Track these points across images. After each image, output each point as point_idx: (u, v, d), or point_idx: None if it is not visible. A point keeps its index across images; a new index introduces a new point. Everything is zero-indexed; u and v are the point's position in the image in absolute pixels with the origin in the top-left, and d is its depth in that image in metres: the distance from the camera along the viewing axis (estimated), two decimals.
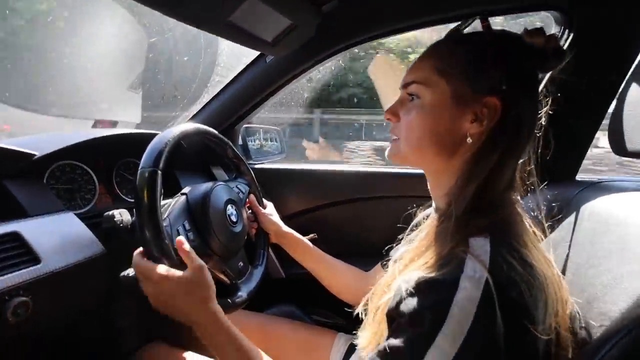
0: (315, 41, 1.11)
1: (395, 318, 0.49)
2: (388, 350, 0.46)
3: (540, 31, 0.55)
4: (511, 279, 0.45)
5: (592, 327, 0.54)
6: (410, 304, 0.46)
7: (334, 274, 0.97)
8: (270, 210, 1.05)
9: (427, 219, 0.71)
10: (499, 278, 0.44)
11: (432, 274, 0.46)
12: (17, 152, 0.81)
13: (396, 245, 0.76)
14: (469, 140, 0.55)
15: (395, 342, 0.46)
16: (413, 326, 0.45)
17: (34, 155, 0.84)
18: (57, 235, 0.75)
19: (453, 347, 0.42)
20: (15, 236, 0.69)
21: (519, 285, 0.44)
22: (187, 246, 0.67)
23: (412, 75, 0.60)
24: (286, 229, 1.01)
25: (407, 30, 1.11)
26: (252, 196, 1.03)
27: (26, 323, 0.64)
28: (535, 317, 0.45)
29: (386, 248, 0.79)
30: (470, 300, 0.43)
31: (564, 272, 0.67)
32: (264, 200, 1.07)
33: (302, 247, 1.00)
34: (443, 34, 0.64)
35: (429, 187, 0.65)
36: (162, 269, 0.63)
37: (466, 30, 0.65)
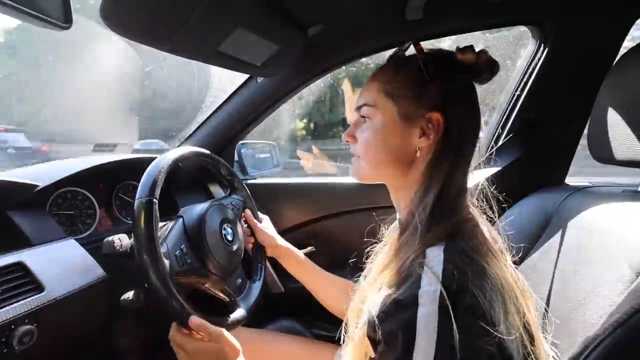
0: (304, 62, 1.15)
1: (375, 342, 0.51)
2: None
3: (469, 48, 0.60)
4: (463, 285, 0.46)
5: (576, 335, 0.55)
6: (383, 328, 0.48)
7: (325, 288, 0.98)
8: (266, 223, 1.06)
9: (388, 231, 0.75)
10: (451, 288, 0.46)
11: (395, 294, 0.49)
12: (21, 184, 0.84)
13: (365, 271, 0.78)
14: (418, 154, 0.60)
15: None
16: (390, 350, 0.48)
17: (37, 186, 0.87)
18: (59, 263, 0.77)
19: None
20: (20, 266, 0.72)
21: (470, 290, 0.46)
22: (198, 321, 0.70)
23: (362, 99, 0.64)
24: (282, 242, 1.03)
25: (390, 48, 1.15)
26: (247, 211, 1.05)
27: (31, 350, 0.66)
28: (492, 318, 0.46)
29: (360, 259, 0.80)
30: (430, 316, 0.45)
31: (552, 278, 0.69)
32: (260, 214, 1.09)
33: (297, 260, 1.01)
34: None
35: (393, 202, 0.69)
36: (195, 342, 0.69)
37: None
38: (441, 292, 0.46)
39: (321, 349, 1.02)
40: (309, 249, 1.42)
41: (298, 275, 1.01)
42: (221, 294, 0.85)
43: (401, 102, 0.60)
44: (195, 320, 0.69)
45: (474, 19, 1.04)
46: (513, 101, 1.14)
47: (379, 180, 0.67)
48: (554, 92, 1.05)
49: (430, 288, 0.47)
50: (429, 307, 0.45)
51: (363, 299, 0.59)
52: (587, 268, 0.63)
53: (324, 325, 1.34)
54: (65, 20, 0.58)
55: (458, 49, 0.60)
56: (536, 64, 1.05)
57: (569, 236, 0.72)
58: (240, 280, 0.92)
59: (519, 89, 1.11)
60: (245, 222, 1.04)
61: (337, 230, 1.44)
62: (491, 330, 0.45)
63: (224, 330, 0.70)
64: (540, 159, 1.07)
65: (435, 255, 0.51)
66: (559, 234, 0.75)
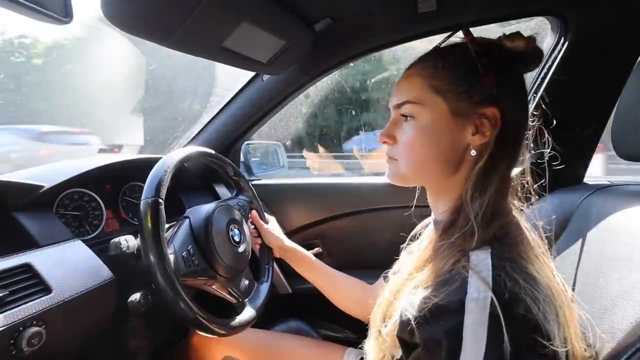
0: (311, 58, 1.13)
1: (409, 344, 0.49)
2: None
3: (519, 34, 0.56)
4: (515, 294, 0.43)
5: (604, 341, 0.52)
6: (423, 333, 0.46)
7: (338, 287, 0.97)
8: (272, 225, 1.05)
9: (425, 230, 0.72)
10: (503, 296, 0.43)
11: (437, 298, 0.46)
12: (27, 184, 0.83)
13: (397, 256, 0.76)
14: (473, 152, 0.56)
15: None
16: (431, 357, 0.45)
17: (43, 186, 0.86)
18: (67, 264, 0.76)
19: None
20: (27, 267, 0.71)
21: (524, 300, 0.43)
22: None
23: (404, 95, 0.59)
24: (289, 243, 1.01)
25: (402, 42, 1.12)
26: (254, 212, 1.05)
27: (40, 352, 0.65)
28: (548, 333, 0.43)
29: (388, 267, 0.79)
30: (480, 324, 0.42)
31: (574, 281, 0.66)
32: (267, 215, 1.08)
33: (306, 261, 1.00)
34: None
35: (429, 202, 0.65)
36: None
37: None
38: (492, 300, 0.43)
39: (329, 350, 1.00)
40: (315, 250, 1.41)
41: (307, 275, 0.99)
42: (228, 296, 0.84)
43: (451, 97, 0.55)
44: None
45: (490, 11, 1.00)
46: (530, 97, 1.10)
47: (420, 183, 0.63)
48: (574, 88, 1.00)
49: (479, 295, 0.44)
50: (477, 315, 0.43)
51: (394, 295, 0.57)
52: (613, 271, 0.59)
53: (332, 326, 1.33)
54: (65, 14, 0.57)
55: (505, 36, 0.56)
56: (555, 58, 1.01)
57: (591, 237, 0.69)
58: (247, 281, 0.91)
59: (536, 84, 1.07)
60: (252, 223, 1.03)
61: (344, 231, 1.42)
62: (545, 344, 0.42)
63: None
64: (558, 157, 1.04)
65: (482, 260, 0.47)
66: (580, 235, 0.71)
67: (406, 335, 0.48)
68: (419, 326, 0.46)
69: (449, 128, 0.56)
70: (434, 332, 0.45)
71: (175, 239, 0.80)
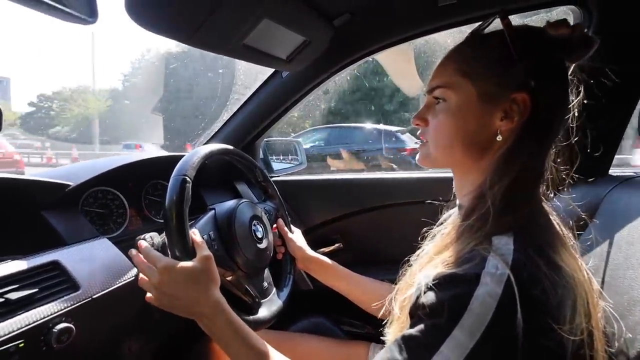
0: (329, 54, 1.12)
1: (415, 312, 0.49)
2: (405, 340, 0.47)
3: (564, 22, 0.54)
4: (534, 276, 0.44)
5: (635, 332, 0.52)
6: (430, 296, 0.46)
7: (363, 290, 0.96)
8: (297, 236, 1.05)
9: (450, 217, 0.71)
10: (521, 275, 0.43)
11: (454, 269, 0.47)
12: (54, 183, 0.85)
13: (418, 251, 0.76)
14: (499, 137, 0.55)
15: (412, 331, 0.46)
16: (431, 317, 0.46)
17: (69, 185, 0.88)
18: (94, 262, 0.78)
19: (471, 340, 0.42)
20: (56, 265, 0.72)
21: (542, 282, 0.44)
22: (199, 237, 0.70)
23: (436, 80, 0.60)
24: (312, 253, 1.01)
25: (422, 35, 1.11)
26: (280, 220, 1.04)
27: (69, 349, 0.66)
28: (559, 316, 0.44)
29: (409, 256, 0.78)
30: (491, 296, 0.43)
31: (603, 273, 0.65)
32: (292, 227, 1.07)
33: (329, 269, 0.99)
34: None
35: (454, 186, 0.65)
36: (167, 259, 0.67)
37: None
38: (509, 276, 0.43)
39: (353, 347, 1.00)
40: (336, 245, 1.41)
41: (332, 283, 0.99)
42: (244, 294, 0.83)
43: (481, 81, 0.56)
44: (194, 231, 0.70)
45: (511, 1, 0.98)
46: None
47: (447, 167, 0.64)
48: (598, 77, 0.98)
49: (496, 271, 0.44)
50: (491, 288, 0.43)
51: (414, 277, 0.57)
52: None
53: (354, 322, 1.32)
54: (90, 14, 0.58)
55: (549, 23, 0.55)
56: None
57: (619, 229, 0.67)
58: (266, 284, 0.91)
59: None
60: (278, 230, 1.03)
61: (364, 227, 1.41)
62: (555, 327, 0.43)
63: (212, 256, 0.69)
64: (583, 149, 1.01)
65: (504, 244, 0.48)
66: (607, 226, 0.70)
67: (414, 305, 0.49)
68: (429, 290, 0.46)
69: (477, 112, 0.56)
70: (441, 296, 0.45)
71: (198, 224, 0.81)
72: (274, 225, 1.02)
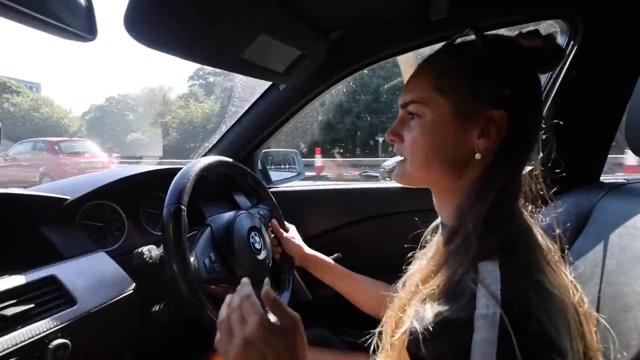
0: (326, 67, 1.14)
1: (417, 357, 0.47)
2: None
3: (536, 33, 0.54)
4: (526, 309, 0.41)
5: (629, 338, 0.52)
6: (431, 347, 0.44)
7: (360, 290, 0.96)
8: (292, 233, 1.05)
9: (435, 236, 0.70)
10: (513, 311, 0.41)
11: (445, 312, 0.44)
12: (51, 197, 0.85)
13: (404, 277, 0.73)
14: (478, 156, 0.53)
15: None
16: None
17: (66, 199, 0.88)
18: (91, 276, 0.77)
19: None
20: (52, 280, 0.72)
21: (535, 314, 0.41)
22: (273, 295, 0.57)
23: (410, 94, 0.57)
24: (309, 251, 1.01)
25: (415, 49, 1.12)
26: (274, 221, 1.05)
27: None
28: (562, 349, 0.41)
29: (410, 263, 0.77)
30: (489, 343, 0.40)
31: (594, 281, 0.66)
32: (286, 223, 1.08)
33: (327, 267, 1.00)
34: None
35: (435, 206, 0.63)
36: (266, 316, 0.54)
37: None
38: (501, 316, 0.41)
39: (353, 358, 0.99)
40: (335, 255, 1.41)
41: (330, 281, 0.99)
42: None
43: (456, 98, 0.53)
44: (269, 292, 0.55)
45: (500, 16, 1.01)
46: (543, 97, 1.09)
47: (426, 185, 0.61)
48: (586, 88, 1.00)
49: (488, 311, 0.41)
50: (487, 333, 0.40)
51: (402, 307, 0.55)
52: (635, 268, 0.59)
53: (354, 332, 1.31)
54: (90, 32, 0.59)
55: (521, 34, 0.54)
56: (566, 59, 1.01)
57: (611, 236, 0.68)
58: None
59: (549, 84, 1.06)
60: (272, 232, 1.04)
61: (363, 236, 1.41)
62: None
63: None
64: (573, 157, 1.02)
65: (490, 272, 0.45)
66: (599, 233, 0.71)
67: (413, 348, 0.47)
68: (426, 340, 0.44)
69: (452, 129, 0.54)
70: (441, 348, 0.43)
71: (197, 247, 0.81)
72: (269, 226, 1.03)
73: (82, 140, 13.40)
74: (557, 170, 0.65)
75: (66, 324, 0.67)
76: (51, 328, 0.65)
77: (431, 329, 0.44)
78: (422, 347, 0.44)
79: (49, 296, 0.69)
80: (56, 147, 9.51)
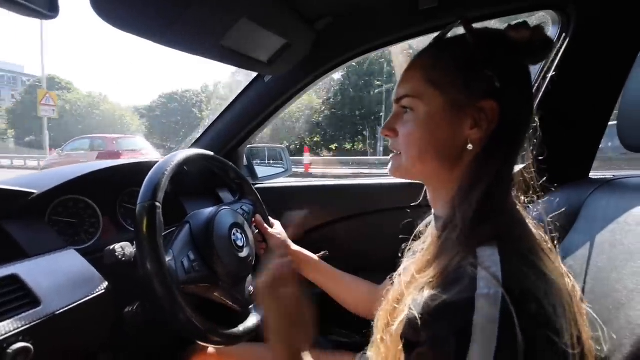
0: (312, 58, 1.10)
1: (413, 344, 0.46)
2: None
3: (524, 25, 0.54)
4: (527, 290, 0.43)
5: (621, 337, 0.51)
6: (429, 330, 0.44)
7: (345, 288, 0.95)
8: (277, 229, 1.03)
9: (428, 228, 0.70)
10: (514, 292, 0.42)
11: (444, 296, 0.44)
12: (14, 191, 0.80)
13: (401, 257, 0.74)
14: (470, 146, 0.55)
15: None
16: (438, 356, 0.43)
17: (32, 193, 0.82)
18: (57, 275, 0.72)
19: None
20: (14, 279, 0.67)
21: (535, 295, 0.43)
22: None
23: (403, 89, 0.59)
24: (295, 247, 0.99)
25: (404, 40, 1.10)
26: (258, 216, 1.02)
27: None
28: (558, 328, 0.43)
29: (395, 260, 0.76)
30: (490, 321, 0.41)
31: (584, 277, 0.65)
32: (271, 219, 1.05)
33: (312, 264, 0.98)
34: None
35: (428, 197, 0.64)
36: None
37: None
38: (503, 295, 0.41)
39: (338, 358, 0.96)
40: (322, 253, 1.38)
41: (315, 278, 0.97)
42: (232, 304, 0.80)
43: (449, 90, 0.55)
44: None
45: (492, 6, 0.99)
46: (534, 91, 1.07)
47: (420, 178, 0.62)
48: (577, 81, 0.99)
49: (490, 291, 0.42)
50: (488, 312, 0.41)
51: (398, 298, 0.55)
52: (627, 265, 0.58)
53: (341, 332, 1.29)
54: (50, 9, 0.54)
55: (510, 26, 0.55)
56: (557, 51, 0.99)
57: (601, 232, 0.68)
58: (252, 288, 0.88)
59: (539, 78, 1.05)
60: (256, 227, 1.00)
61: (350, 233, 1.39)
62: (557, 340, 0.42)
63: None
64: (563, 152, 1.01)
65: (489, 256, 0.46)
66: (589, 229, 0.70)
67: (410, 334, 0.46)
68: (425, 323, 0.44)
69: (445, 121, 0.55)
70: (442, 329, 0.43)
71: (174, 245, 0.77)
72: (253, 221, 1.00)
73: (133, 136, 13.61)
74: (545, 167, 0.64)
75: (28, 326, 0.62)
76: (10, 331, 0.59)
77: (431, 311, 0.44)
78: (421, 330, 0.44)
79: (10, 297, 0.64)
80: (115, 143, 9.54)
